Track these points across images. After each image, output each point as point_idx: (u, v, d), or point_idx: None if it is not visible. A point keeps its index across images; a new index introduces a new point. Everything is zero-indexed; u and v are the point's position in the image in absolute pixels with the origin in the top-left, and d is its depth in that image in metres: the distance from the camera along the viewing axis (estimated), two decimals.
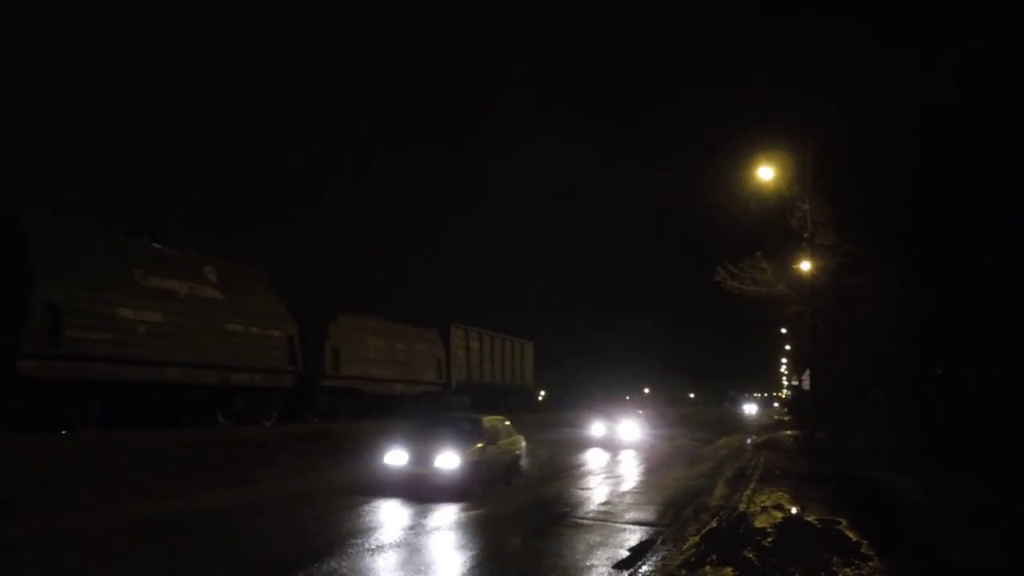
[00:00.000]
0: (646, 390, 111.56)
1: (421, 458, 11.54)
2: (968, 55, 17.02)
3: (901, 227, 19.76)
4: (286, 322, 19.08)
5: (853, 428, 23.15)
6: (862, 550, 7.59)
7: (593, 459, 19.27)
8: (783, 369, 69.33)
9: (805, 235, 24.18)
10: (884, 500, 11.15)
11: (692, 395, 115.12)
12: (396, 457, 11.77)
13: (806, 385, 33.17)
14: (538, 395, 44.06)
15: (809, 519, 9.65)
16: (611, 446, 23.11)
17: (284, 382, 18.91)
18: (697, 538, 8.24)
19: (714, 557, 7.26)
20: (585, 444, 24.00)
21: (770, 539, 8.21)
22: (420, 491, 11.20)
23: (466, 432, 12.59)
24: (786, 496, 11.85)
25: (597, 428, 25.55)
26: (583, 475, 15.33)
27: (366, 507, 10.42)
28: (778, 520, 9.55)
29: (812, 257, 24.85)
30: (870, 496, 11.71)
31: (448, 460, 11.43)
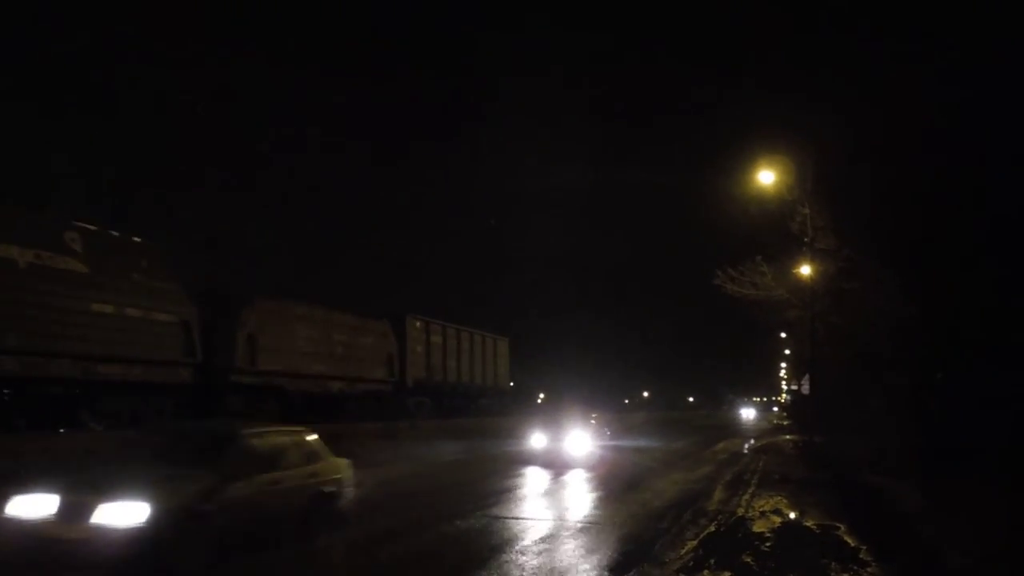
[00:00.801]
0: (645, 394, 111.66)
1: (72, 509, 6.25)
2: (968, 60, 17.01)
3: (901, 232, 19.74)
4: (181, 304, 16.23)
5: (852, 433, 23.11)
6: (861, 555, 7.57)
7: (519, 485, 13.66)
8: (782, 373, 69.42)
9: (805, 239, 24.19)
10: (883, 505, 11.14)
11: (691, 399, 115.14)
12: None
13: (805, 389, 33.23)
14: (512, 396, 39.58)
15: (808, 524, 9.63)
16: (553, 463, 17.37)
17: (177, 377, 16.09)
18: (695, 542, 8.22)
19: (712, 562, 7.24)
20: (518, 460, 18.45)
21: (769, 544, 8.19)
22: None
23: (187, 458, 7.18)
24: (785, 501, 11.84)
25: (537, 440, 18.81)
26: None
27: None
28: (777, 525, 9.53)
29: (812, 262, 24.87)
30: (869, 501, 11.69)
31: (120, 513, 6.15)
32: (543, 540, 8.32)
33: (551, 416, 20.70)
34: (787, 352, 54.61)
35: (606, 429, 24.35)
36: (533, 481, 14.79)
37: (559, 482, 14.61)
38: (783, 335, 44.25)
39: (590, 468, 17.11)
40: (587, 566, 7.14)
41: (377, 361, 24.69)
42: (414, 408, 26.19)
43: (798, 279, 26.72)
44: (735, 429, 47.96)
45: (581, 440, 18.62)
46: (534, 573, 6.79)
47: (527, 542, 8.13)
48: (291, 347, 20.04)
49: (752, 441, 31.95)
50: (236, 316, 18.06)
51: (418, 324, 27.81)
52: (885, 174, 19.46)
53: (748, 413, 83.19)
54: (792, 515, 10.45)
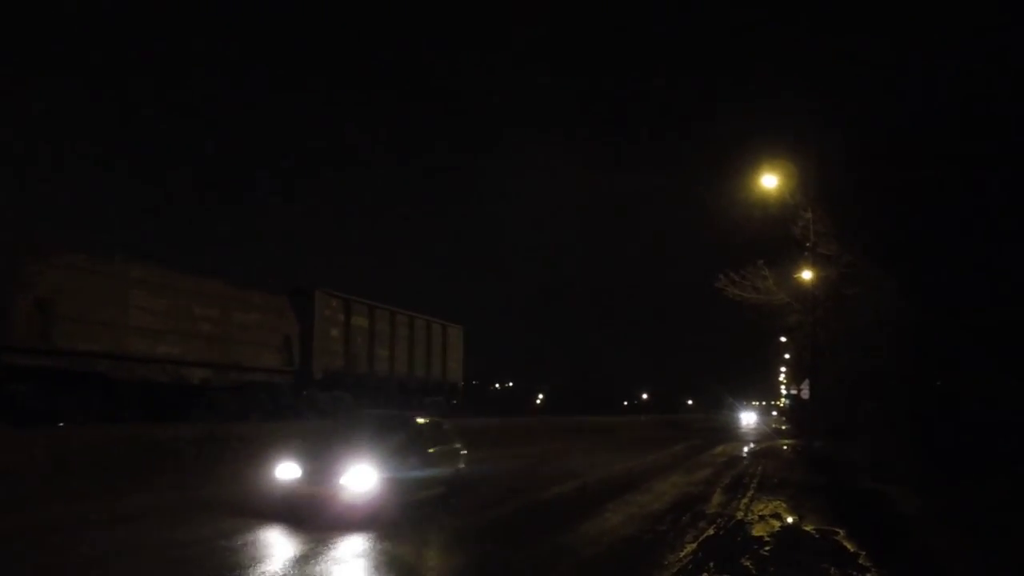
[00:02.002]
0: (644, 396, 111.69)
1: None
2: (967, 63, 17.02)
3: (902, 238, 19.74)
4: None
5: (852, 438, 23.12)
6: (860, 561, 7.58)
7: None
8: (782, 378, 69.43)
9: (807, 244, 24.21)
10: (882, 511, 11.15)
11: (690, 402, 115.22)
12: None
13: (805, 394, 33.23)
14: (463, 392, 34.09)
15: (807, 528, 9.63)
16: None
17: None
18: (694, 545, 8.22)
19: (711, 565, 7.25)
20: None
21: (767, 548, 8.19)
22: None
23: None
24: (784, 505, 11.84)
25: (285, 470, 9.39)
26: None
27: None
28: (775, 529, 9.53)
29: (814, 267, 24.90)
30: (868, 507, 11.70)
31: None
32: None
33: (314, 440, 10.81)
34: (787, 356, 54.64)
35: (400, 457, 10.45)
36: None
37: None
38: (783, 339, 44.29)
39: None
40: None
41: (267, 345, 19.82)
42: (328, 405, 21.70)
43: (799, 284, 26.76)
44: (734, 433, 47.97)
45: (360, 475, 9.00)
46: None
47: None
48: (119, 320, 15.44)
49: (751, 445, 31.96)
50: (14, 272, 13.44)
51: (333, 302, 22.60)
52: (886, 180, 19.47)
53: (747, 417, 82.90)
54: (791, 519, 10.45)
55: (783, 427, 58.67)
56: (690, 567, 7.17)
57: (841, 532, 9.22)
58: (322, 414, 20.70)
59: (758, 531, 9.29)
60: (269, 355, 20.01)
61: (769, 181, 23.15)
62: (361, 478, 8.75)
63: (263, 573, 6.36)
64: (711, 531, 9.19)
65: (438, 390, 28.65)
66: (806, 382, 32.38)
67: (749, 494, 13.10)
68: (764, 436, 43.09)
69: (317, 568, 6.68)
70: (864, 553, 7.92)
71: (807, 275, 25.93)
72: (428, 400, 27.07)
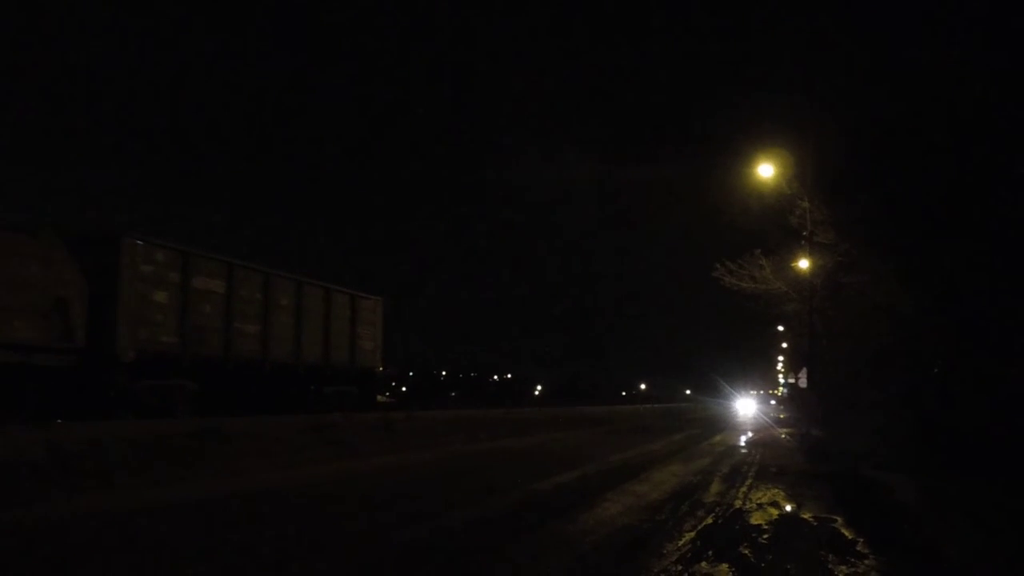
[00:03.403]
0: (642, 386, 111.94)
1: None
2: (971, 49, 17.02)
3: (900, 226, 19.74)
4: None
5: (849, 427, 23.15)
6: (858, 548, 7.58)
7: None
8: (779, 367, 69.59)
9: (804, 233, 24.25)
10: (880, 499, 11.16)
11: (688, 391, 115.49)
12: None
13: (803, 383, 33.33)
14: (383, 380, 29.08)
15: (805, 516, 9.64)
16: None
17: None
18: (693, 534, 8.23)
19: (710, 553, 7.25)
20: None
21: (766, 536, 8.20)
22: None
23: None
24: (782, 493, 11.85)
25: None
26: None
27: None
28: (774, 517, 9.54)
29: (811, 255, 24.94)
30: (866, 495, 11.71)
31: None
32: None
33: None
34: (784, 346, 54.81)
35: None
36: None
37: None
38: (780, 329, 44.39)
39: None
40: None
41: (19, 310, 14.32)
42: (155, 398, 16.78)
43: (797, 273, 26.83)
44: (732, 422, 48.02)
45: None
46: None
47: None
48: None
49: (749, 434, 31.97)
50: None
51: (160, 255, 17.13)
52: (885, 168, 19.47)
53: (744, 406, 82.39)
54: (789, 507, 10.47)
55: (781, 416, 58.82)
56: (689, 556, 7.17)
57: (839, 519, 9.23)
58: (147, 411, 16.22)
59: (756, 519, 9.29)
60: (24, 324, 14.34)
61: (766, 171, 23.22)
62: None
63: None
64: (710, 520, 9.19)
65: (343, 378, 23.53)
66: (803, 371, 32.50)
67: (747, 483, 13.11)
68: (762, 425, 43.13)
69: None
70: (862, 540, 7.92)
71: (804, 264, 25.98)
72: (329, 391, 22.48)
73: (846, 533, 8.41)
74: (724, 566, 6.82)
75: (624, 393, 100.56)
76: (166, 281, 17.29)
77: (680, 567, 6.76)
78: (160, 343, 17.12)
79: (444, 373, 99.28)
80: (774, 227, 25.62)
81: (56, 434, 10.71)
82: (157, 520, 8.23)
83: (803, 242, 24.69)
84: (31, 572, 6.12)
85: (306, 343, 21.89)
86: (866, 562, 7.05)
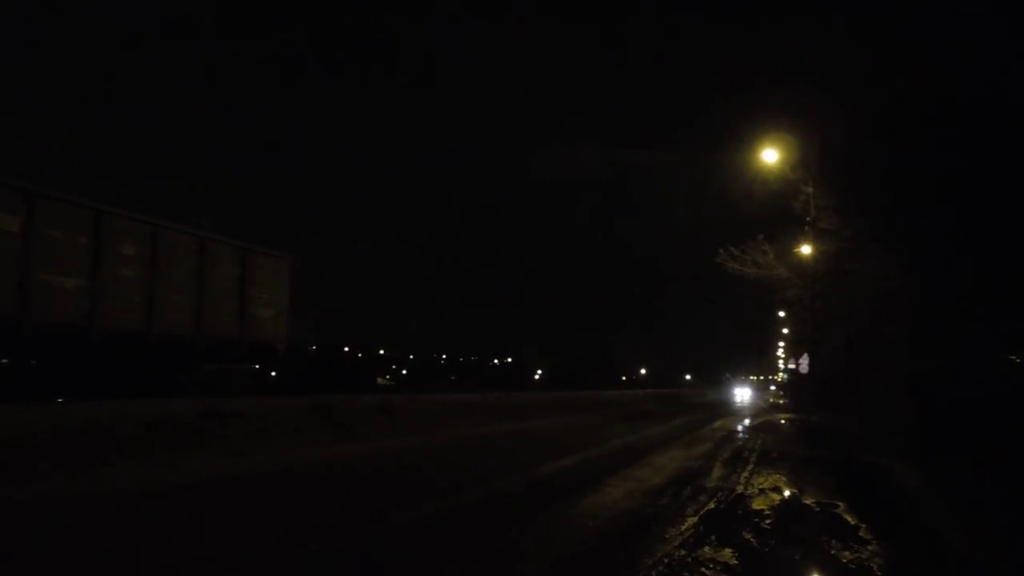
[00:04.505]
0: (643, 371, 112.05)
1: None
2: (972, 38, 16.93)
3: (903, 213, 19.69)
4: None
5: (850, 412, 23.17)
6: (860, 533, 7.58)
7: None
8: (779, 352, 69.62)
9: (808, 219, 24.18)
10: (882, 484, 11.17)
11: (688, 377, 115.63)
12: None
13: (803, 369, 33.32)
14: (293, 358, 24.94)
15: (807, 502, 9.64)
16: None
17: None
18: (696, 519, 8.22)
19: (713, 538, 7.24)
20: None
21: (768, 521, 8.20)
22: None
23: None
24: (783, 479, 11.86)
25: None
26: None
27: None
28: (776, 502, 9.55)
29: (814, 241, 24.88)
30: (868, 480, 11.73)
31: None
32: None
33: None
34: (785, 331, 54.78)
35: None
36: None
37: None
38: (782, 314, 44.38)
39: None
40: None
41: None
42: None
43: (799, 258, 26.79)
44: (732, 408, 48.09)
45: None
46: None
47: None
48: None
49: (750, 419, 32.01)
50: None
51: None
52: (889, 153, 19.39)
53: (743, 393, 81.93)
54: (791, 493, 10.47)
55: (781, 401, 58.89)
56: (692, 540, 7.16)
57: (841, 505, 9.23)
58: None
59: (758, 504, 9.30)
60: None
61: (770, 156, 23.11)
62: None
63: None
64: (712, 505, 9.20)
65: (231, 353, 18.67)
66: (805, 356, 32.47)
67: (749, 468, 13.12)
68: (762, 411, 43.21)
69: None
70: (865, 526, 7.93)
71: (807, 249, 25.93)
72: (210, 368, 17.96)
73: (848, 518, 8.42)
74: (727, 551, 6.82)
75: (624, 378, 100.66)
76: None
77: (683, 552, 6.75)
78: None
79: (444, 357, 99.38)
80: (777, 213, 25.57)
81: None
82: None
83: (806, 228, 24.65)
84: None
85: (166, 307, 16.59)
86: (869, 548, 7.04)
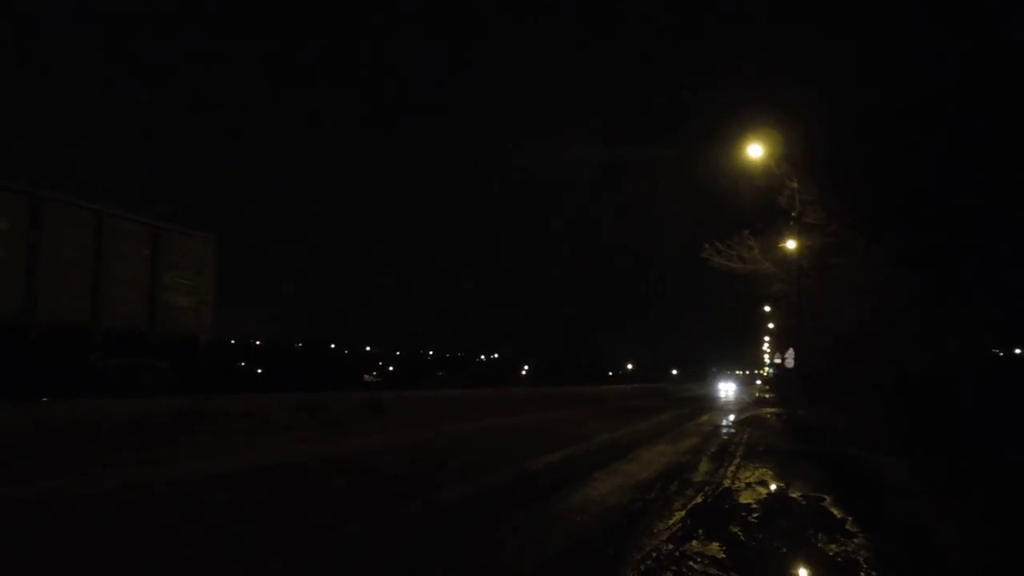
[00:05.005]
0: (629, 366, 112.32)
1: None
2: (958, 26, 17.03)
3: (887, 206, 19.80)
4: None
5: (837, 406, 23.29)
6: (847, 527, 7.63)
7: None
8: (765, 347, 69.95)
9: (793, 214, 24.29)
10: (868, 479, 11.23)
11: (675, 372, 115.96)
12: None
13: (789, 363, 33.49)
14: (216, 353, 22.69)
15: (793, 495, 9.70)
16: None
17: None
18: (683, 513, 8.25)
19: (700, 532, 7.27)
20: None
21: (755, 515, 8.24)
22: None
23: None
24: (770, 473, 11.92)
25: None
26: None
27: None
28: (763, 496, 9.60)
29: (799, 236, 25.00)
30: (854, 474, 11.79)
31: None
32: None
33: None
34: (771, 326, 55.04)
35: None
36: None
37: None
38: (767, 309, 44.57)
39: None
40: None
41: None
42: None
43: (784, 253, 26.89)
44: (719, 403, 48.27)
45: None
46: None
47: None
48: None
49: (736, 414, 32.14)
50: None
51: None
52: (873, 149, 19.49)
53: (728, 387, 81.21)
54: (777, 487, 10.53)
55: (767, 396, 59.17)
56: (679, 535, 7.20)
57: (828, 498, 9.29)
58: None
59: (745, 498, 9.34)
60: None
61: (755, 151, 23.16)
62: None
63: None
64: (699, 499, 9.23)
65: (140, 346, 16.41)
66: (790, 351, 32.63)
67: (736, 462, 13.18)
68: (748, 405, 43.39)
69: None
70: (851, 519, 7.98)
71: (792, 244, 26.03)
72: (112, 363, 15.68)
73: (835, 512, 8.47)
74: (715, 544, 6.85)
75: (611, 373, 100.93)
76: None
77: (671, 545, 6.78)
78: None
79: (432, 353, 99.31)
80: (763, 207, 25.68)
81: None
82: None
83: (791, 222, 24.74)
84: None
85: (51, 291, 14.51)
86: (855, 540, 7.09)
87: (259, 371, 22.79)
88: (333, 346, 79.69)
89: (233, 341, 63.86)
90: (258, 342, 72.54)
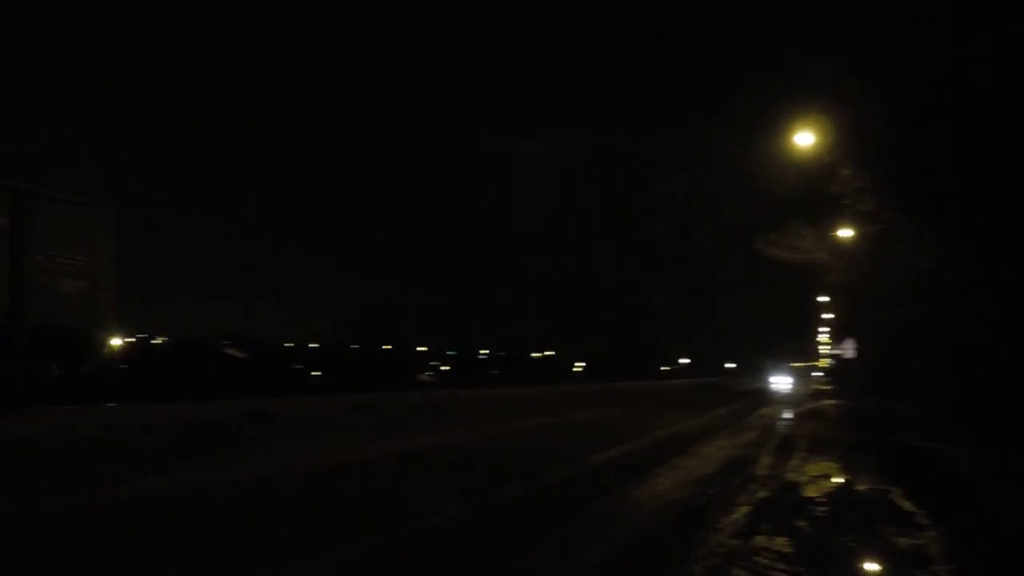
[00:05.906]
0: (683, 360, 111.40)
1: None
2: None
3: (945, 192, 19.36)
4: None
5: (898, 397, 22.87)
6: (917, 520, 7.50)
7: None
8: (823, 338, 68.82)
9: (846, 201, 23.87)
10: (936, 470, 11.03)
11: (728, 365, 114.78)
12: None
13: (849, 353, 32.96)
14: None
15: (860, 488, 9.58)
16: None
17: None
18: (747, 507, 8.20)
19: (766, 527, 7.22)
20: None
21: (822, 508, 8.16)
22: None
23: None
24: (835, 466, 11.78)
25: None
26: None
27: None
28: (828, 490, 9.49)
29: (853, 224, 24.57)
30: (921, 466, 11.59)
31: None
32: None
33: None
34: (826, 316, 54.15)
35: None
36: None
37: None
38: (822, 299, 43.87)
39: None
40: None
41: None
42: None
43: (839, 242, 26.44)
44: (776, 396, 47.65)
45: None
46: None
47: None
48: None
49: (796, 407, 31.73)
50: None
51: None
52: (929, 133, 19.06)
53: (783, 381, 77.57)
54: (843, 480, 10.41)
55: (825, 388, 58.24)
56: (745, 529, 7.15)
57: (896, 491, 9.14)
58: None
59: (810, 492, 9.24)
60: None
61: (804, 139, 22.79)
62: None
63: None
64: (763, 493, 9.16)
65: None
66: (849, 341, 32.11)
67: (798, 455, 13.04)
68: (806, 398, 42.78)
69: None
70: (922, 512, 7.84)
71: (847, 233, 25.60)
72: None
73: (904, 505, 8.34)
74: (782, 539, 6.79)
75: (665, 368, 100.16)
76: None
77: (737, 541, 6.74)
78: None
79: (486, 352, 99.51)
80: (814, 196, 25.25)
81: None
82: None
83: (845, 211, 24.33)
84: None
85: None
86: (928, 534, 6.97)
87: (315, 373, 22.91)
88: (387, 347, 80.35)
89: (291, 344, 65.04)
90: (314, 345, 73.48)
